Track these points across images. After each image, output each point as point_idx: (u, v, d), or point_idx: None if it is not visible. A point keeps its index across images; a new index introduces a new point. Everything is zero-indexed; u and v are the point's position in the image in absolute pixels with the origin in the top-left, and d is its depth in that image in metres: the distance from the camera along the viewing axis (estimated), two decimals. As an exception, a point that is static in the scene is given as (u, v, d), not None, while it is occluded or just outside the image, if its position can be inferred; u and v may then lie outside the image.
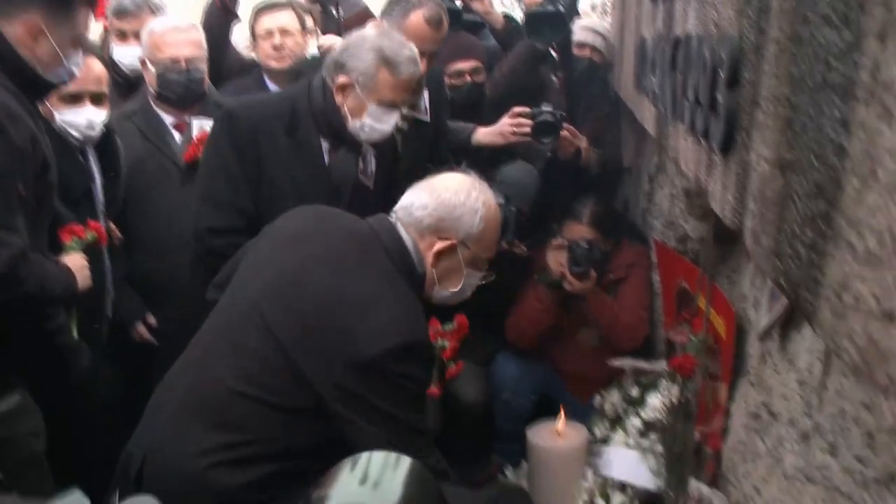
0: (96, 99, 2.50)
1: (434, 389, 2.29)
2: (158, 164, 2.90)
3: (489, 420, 3.07)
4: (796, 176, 1.00)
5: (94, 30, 3.28)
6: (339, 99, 2.35)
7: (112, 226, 2.66)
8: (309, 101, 2.40)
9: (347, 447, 1.56)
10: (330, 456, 1.45)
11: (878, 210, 0.76)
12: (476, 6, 3.61)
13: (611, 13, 3.88)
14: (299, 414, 1.73)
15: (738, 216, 1.29)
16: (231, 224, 2.36)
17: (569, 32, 3.49)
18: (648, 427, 2.28)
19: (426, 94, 2.90)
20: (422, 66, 2.46)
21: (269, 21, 3.32)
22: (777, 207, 1.07)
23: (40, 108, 2.22)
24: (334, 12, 3.63)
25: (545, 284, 2.90)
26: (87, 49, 2.34)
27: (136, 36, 3.10)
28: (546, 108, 3.09)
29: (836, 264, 0.87)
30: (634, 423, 2.32)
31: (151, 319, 2.91)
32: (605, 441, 2.38)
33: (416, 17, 2.75)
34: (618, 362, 2.54)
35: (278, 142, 2.37)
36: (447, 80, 3.16)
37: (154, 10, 3.21)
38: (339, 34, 3.25)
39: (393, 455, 1.43)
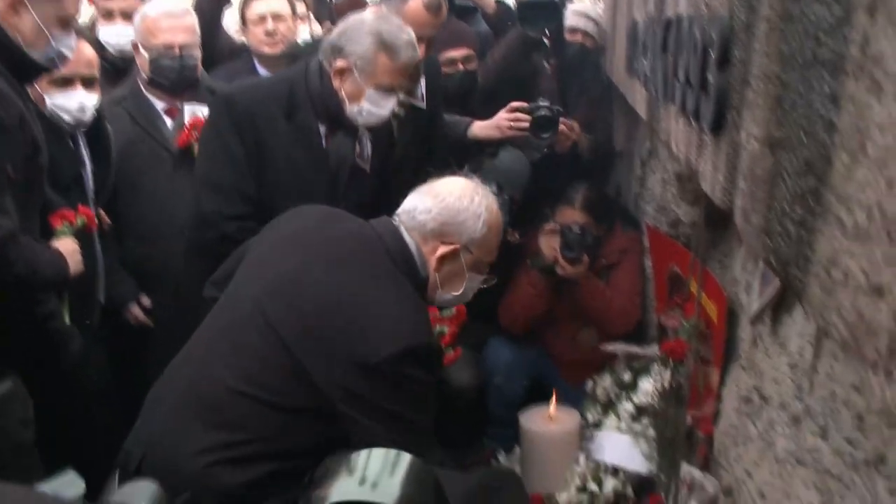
0: (87, 83, 2.47)
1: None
2: (149, 149, 2.87)
3: (482, 404, 3.07)
4: (786, 153, 0.99)
5: (85, 13, 3.26)
6: (336, 83, 2.33)
7: (101, 212, 2.64)
8: (306, 84, 2.38)
9: (347, 447, 1.56)
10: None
11: (868, 185, 0.76)
12: (468, -9, 3.59)
13: (603, -2, 3.86)
14: (299, 414, 1.72)
15: (729, 196, 1.29)
16: (242, 209, 2.35)
17: (561, 18, 3.48)
18: (640, 411, 2.29)
19: (422, 81, 2.89)
20: (420, 51, 2.45)
21: (262, 6, 3.30)
22: (767, 185, 1.07)
23: (30, 91, 2.20)
24: (326, -2, 3.62)
25: (538, 269, 2.90)
26: (79, 32, 2.31)
27: (124, 15, 3.07)
28: (543, 102, 3.08)
29: (826, 240, 0.87)
30: (627, 407, 2.33)
31: (146, 300, 2.89)
32: (597, 426, 2.39)
33: (415, 3, 2.75)
34: (610, 347, 2.55)
35: (277, 125, 2.36)
36: (439, 69, 3.14)
37: None
38: (332, 20, 3.23)
39: (392, 452, 1.44)
